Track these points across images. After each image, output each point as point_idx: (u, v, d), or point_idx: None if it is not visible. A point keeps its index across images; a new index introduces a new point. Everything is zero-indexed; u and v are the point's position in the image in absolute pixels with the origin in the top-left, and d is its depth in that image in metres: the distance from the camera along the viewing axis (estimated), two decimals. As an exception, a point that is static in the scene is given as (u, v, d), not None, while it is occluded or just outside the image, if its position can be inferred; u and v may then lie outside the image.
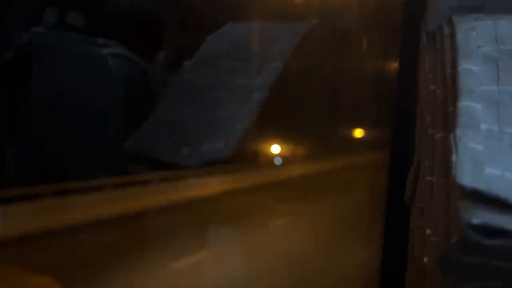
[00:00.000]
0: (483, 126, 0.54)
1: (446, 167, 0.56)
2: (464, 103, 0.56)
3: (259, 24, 0.95)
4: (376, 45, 1.14)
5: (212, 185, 1.12)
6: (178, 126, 0.91)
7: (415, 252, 0.70)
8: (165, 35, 1.16)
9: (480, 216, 0.48)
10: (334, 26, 1.10)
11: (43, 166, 1.09)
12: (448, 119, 0.59)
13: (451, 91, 0.60)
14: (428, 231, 0.60)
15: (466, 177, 0.48)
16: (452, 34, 0.66)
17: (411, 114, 0.76)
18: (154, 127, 0.95)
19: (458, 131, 0.53)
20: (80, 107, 1.14)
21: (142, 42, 1.22)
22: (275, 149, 1.23)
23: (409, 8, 0.85)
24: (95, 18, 1.26)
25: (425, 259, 0.60)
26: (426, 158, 0.67)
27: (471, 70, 0.60)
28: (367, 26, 1.10)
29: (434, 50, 0.70)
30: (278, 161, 1.26)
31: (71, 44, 1.23)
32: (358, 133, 1.48)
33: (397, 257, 0.86)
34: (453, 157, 0.50)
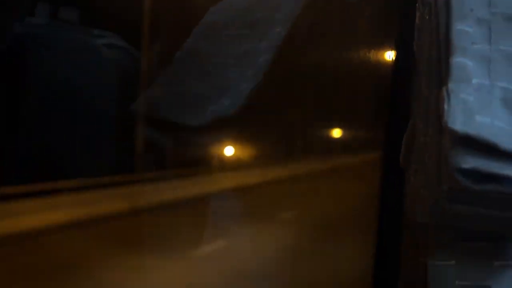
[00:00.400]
0: (474, 81, 0.57)
1: (440, 123, 0.58)
2: (457, 59, 0.59)
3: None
4: (374, 25, 1.14)
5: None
6: (185, 90, 0.93)
7: (408, 214, 0.72)
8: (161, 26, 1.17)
9: (471, 161, 0.51)
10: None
11: (38, 162, 1.07)
12: (441, 77, 0.62)
13: (445, 50, 0.63)
14: (420, 189, 0.63)
15: (458, 123, 0.51)
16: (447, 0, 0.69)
17: (407, 110, 0.78)
18: (160, 91, 0.98)
19: (450, 85, 0.56)
20: (74, 98, 1.13)
21: (138, 33, 1.23)
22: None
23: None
24: (89, 9, 1.26)
25: (417, 216, 0.63)
26: (421, 119, 0.70)
27: (465, 30, 0.62)
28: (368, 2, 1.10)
29: (429, 17, 0.72)
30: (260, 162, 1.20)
31: (65, 35, 1.23)
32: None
33: (391, 258, 0.88)
34: (445, 106, 0.53)
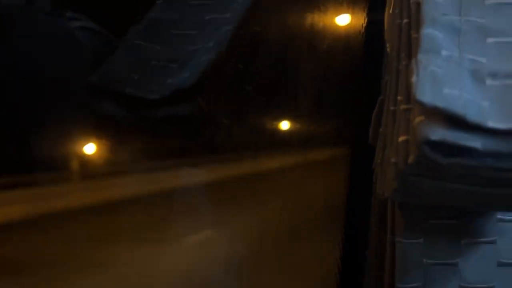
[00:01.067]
0: (444, 52, 0.55)
1: (409, 93, 0.57)
2: (427, 30, 0.57)
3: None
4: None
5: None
6: (145, 62, 0.90)
7: (376, 188, 0.71)
8: (137, 10, 1.14)
9: (439, 133, 0.49)
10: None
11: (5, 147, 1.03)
12: (411, 48, 0.60)
13: (415, 20, 0.61)
14: (388, 163, 0.61)
15: (426, 95, 0.49)
16: None
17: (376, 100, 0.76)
18: (120, 63, 0.94)
19: (420, 56, 0.54)
20: (45, 81, 1.11)
21: (113, 17, 1.20)
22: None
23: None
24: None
25: (385, 192, 0.61)
26: (390, 91, 0.68)
27: (435, 1, 0.60)
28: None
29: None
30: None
31: (38, 17, 1.20)
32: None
33: (357, 254, 0.87)
34: (414, 78, 0.51)
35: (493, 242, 0.67)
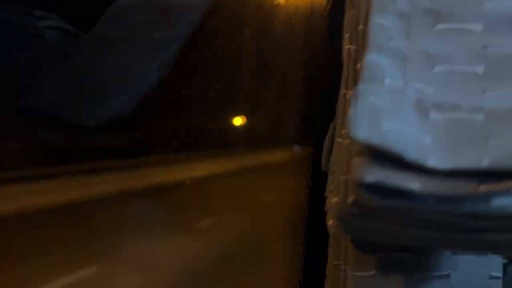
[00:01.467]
0: (387, 81, 0.51)
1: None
2: (371, 57, 0.53)
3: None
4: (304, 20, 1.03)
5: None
6: (85, 84, 0.85)
7: (326, 219, 0.67)
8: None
9: (375, 173, 0.45)
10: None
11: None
12: (357, 76, 0.57)
13: (361, 47, 0.57)
14: (332, 197, 0.58)
15: (361, 130, 0.46)
16: None
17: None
18: (58, 84, 0.89)
19: (361, 85, 0.50)
20: (12, 80, 1.07)
21: (85, 16, 1.16)
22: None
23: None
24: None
25: (329, 223, 0.58)
26: (337, 121, 0.65)
27: (382, 24, 0.57)
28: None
29: (353, 9, 0.67)
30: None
31: (7, 15, 1.17)
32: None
33: (319, 265, 0.82)
34: (351, 111, 0.47)
35: (446, 277, 0.63)
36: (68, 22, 1.18)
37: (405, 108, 0.49)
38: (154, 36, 0.82)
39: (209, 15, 0.88)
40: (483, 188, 0.44)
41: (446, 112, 0.49)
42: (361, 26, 0.59)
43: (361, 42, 0.57)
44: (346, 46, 0.64)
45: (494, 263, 0.64)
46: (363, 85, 0.50)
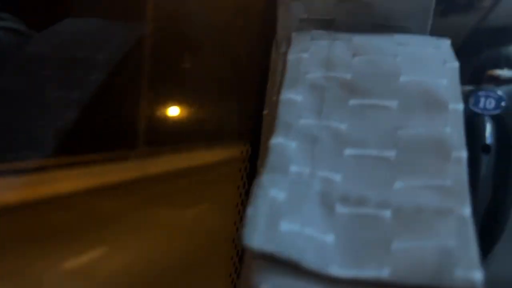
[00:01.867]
0: (293, 168, 0.48)
1: None
2: (277, 140, 0.50)
3: (96, 22, 0.84)
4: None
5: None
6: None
7: None
8: (65, 11, 1.04)
9: (273, 281, 0.42)
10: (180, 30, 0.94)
11: None
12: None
13: (273, 123, 0.54)
14: None
15: (256, 236, 0.42)
16: (286, 55, 0.60)
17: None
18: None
19: (264, 176, 0.47)
20: None
21: (41, 18, 1.10)
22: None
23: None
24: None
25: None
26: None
27: (293, 100, 0.53)
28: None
29: (275, 67, 0.64)
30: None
31: None
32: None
33: None
34: (248, 209, 0.44)
35: None
36: (21, 21, 1.12)
37: (309, 201, 0.46)
38: (55, 95, 0.76)
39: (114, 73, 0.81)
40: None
41: (352, 207, 0.47)
42: (274, 98, 0.56)
43: (274, 116, 0.54)
44: (264, 110, 0.61)
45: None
46: (266, 176, 0.47)
